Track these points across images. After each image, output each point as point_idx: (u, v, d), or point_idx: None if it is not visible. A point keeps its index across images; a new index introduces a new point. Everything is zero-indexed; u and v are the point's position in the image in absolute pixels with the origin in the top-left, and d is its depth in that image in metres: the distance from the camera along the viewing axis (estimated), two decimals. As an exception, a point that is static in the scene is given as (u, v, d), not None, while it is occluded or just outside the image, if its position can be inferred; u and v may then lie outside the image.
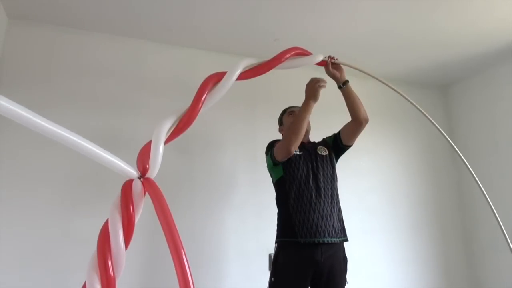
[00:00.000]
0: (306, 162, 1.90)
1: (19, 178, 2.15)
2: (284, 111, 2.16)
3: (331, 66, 1.87)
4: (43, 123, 0.98)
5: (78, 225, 2.17)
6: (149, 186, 1.16)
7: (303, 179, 1.85)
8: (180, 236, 0.89)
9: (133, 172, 1.25)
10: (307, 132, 2.05)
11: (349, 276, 1.90)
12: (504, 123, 3.09)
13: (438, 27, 2.58)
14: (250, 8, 2.31)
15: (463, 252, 3.27)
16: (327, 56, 1.88)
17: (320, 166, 1.91)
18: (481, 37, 2.73)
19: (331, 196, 1.87)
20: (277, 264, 1.77)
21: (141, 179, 1.26)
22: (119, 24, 2.45)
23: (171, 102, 2.57)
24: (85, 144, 1.10)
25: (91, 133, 2.29)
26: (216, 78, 1.47)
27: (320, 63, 1.84)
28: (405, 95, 1.80)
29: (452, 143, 1.85)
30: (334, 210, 1.84)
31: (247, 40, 2.67)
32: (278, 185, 1.94)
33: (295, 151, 1.84)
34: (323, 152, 1.99)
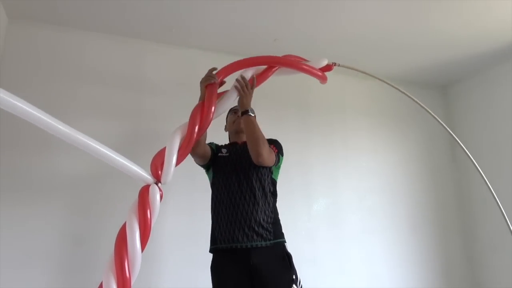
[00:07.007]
0: None
1: (20, 178, 2.15)
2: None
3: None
4: (76, 135, 1.05)
5: (80, 226, 2.18)
6: None
7: None
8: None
9: (149, 178, 1.29)
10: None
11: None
12: (503, 123, 3.09)
13: (438, 27, 2.58)
14: (250, 8, 2.31)
15: (463, 252, 3.26)
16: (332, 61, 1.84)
17: None
18: (480, 37, 2.73)
19: None
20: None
21: (158, 184, 1.30)
22: (119, 24, 2.45)
23: (170, 102, 2.57)
24: (105, 151, 1.15)
25: (90, 133, 2.28)
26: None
27: (325, 68, 1.83)
28: (409, 95, 1.79)
29: (457, 138, 1.84)
30: None
31: (247, 40, 2.67)
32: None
33: None
34: None
